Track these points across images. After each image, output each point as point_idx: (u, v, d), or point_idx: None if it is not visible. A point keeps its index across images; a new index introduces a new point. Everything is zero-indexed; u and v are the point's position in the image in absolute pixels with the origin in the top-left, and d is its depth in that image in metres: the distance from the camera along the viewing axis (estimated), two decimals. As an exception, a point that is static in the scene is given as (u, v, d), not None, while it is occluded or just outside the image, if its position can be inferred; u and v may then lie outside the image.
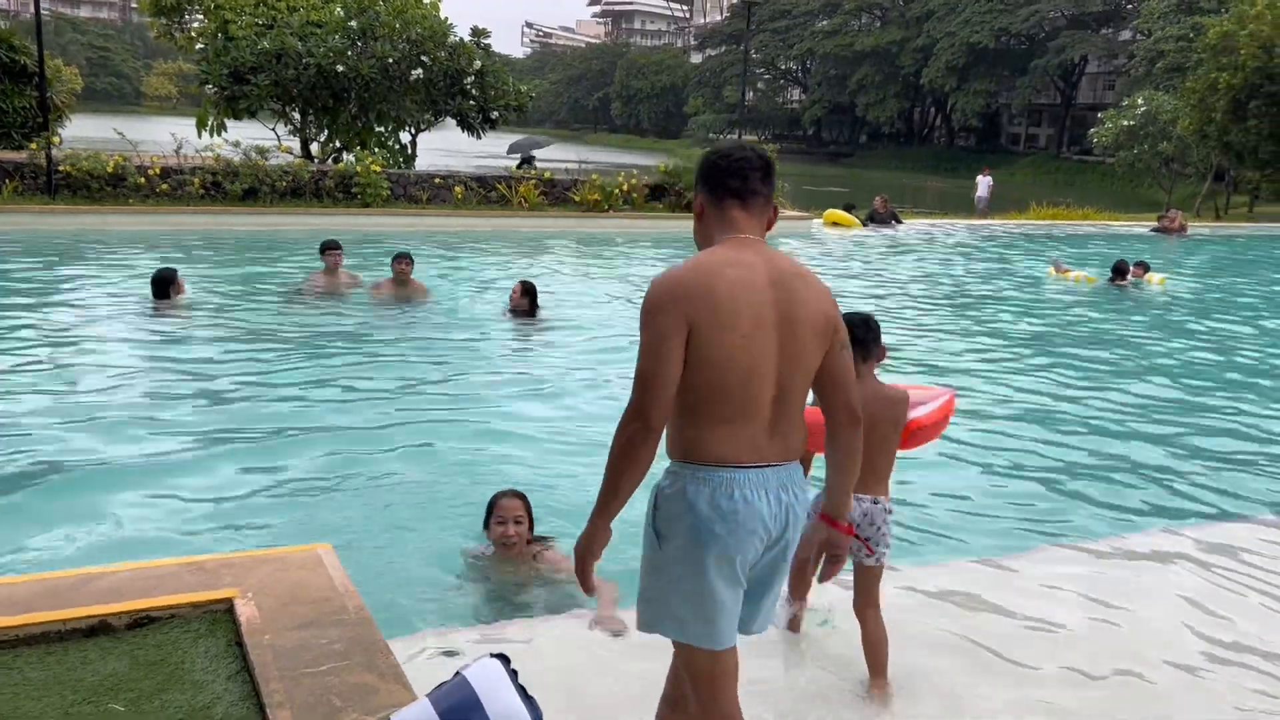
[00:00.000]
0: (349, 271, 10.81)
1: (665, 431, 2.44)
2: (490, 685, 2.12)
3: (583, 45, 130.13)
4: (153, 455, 5.72)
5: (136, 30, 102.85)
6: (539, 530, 4.48)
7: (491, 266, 13.33)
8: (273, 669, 2.44)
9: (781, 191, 20.14)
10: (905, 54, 69.37)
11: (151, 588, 2.81)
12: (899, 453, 3.53)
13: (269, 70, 18.25)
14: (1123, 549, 5.01)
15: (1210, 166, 32.23)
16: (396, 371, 7.81)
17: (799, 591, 3.82)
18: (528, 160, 22.23)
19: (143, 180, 15.49)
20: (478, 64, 20.17)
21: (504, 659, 2.23)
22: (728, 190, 2.55)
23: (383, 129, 20.32)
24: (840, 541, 2.71)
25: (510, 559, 4.32)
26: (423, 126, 21.22)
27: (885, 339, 3.58)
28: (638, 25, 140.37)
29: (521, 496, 4.41)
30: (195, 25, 20.61)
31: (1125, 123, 32.06)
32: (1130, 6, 59.73)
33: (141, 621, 2.68)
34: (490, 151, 28.17)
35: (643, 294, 2.44)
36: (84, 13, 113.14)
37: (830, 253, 17.06)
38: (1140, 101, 32.56)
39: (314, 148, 20.19)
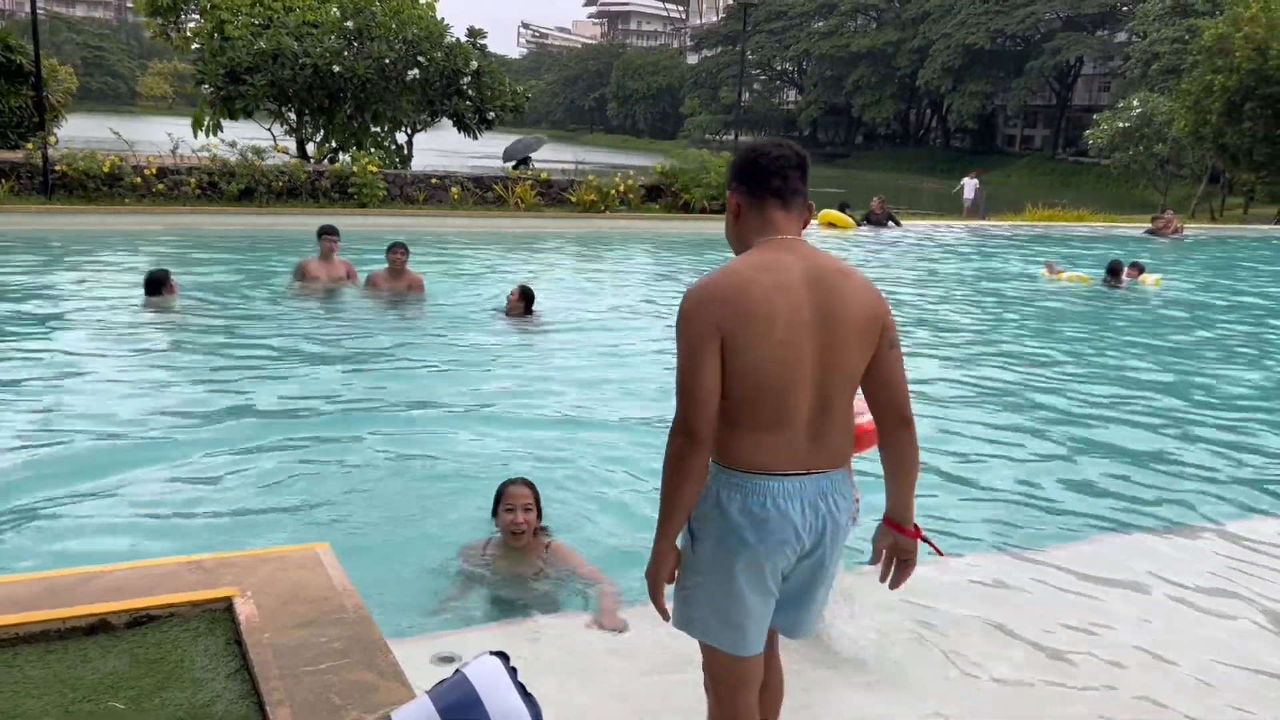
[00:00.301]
0: (345, 260, 10.74)
1: None
2: (490, 683, 2.12)
3: (579, 46, 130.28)
4: (150, 455, 5.72)
5: (132, 30, 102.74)
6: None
7: (488, 267, 13.33)
8: (272, 667, 2.45)
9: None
10: (901, 55, 69.49)
11: (151, 586, 2.81)
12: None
13: (265, 70, 18.24)
14: (1118, 546, 5.03)
15: (1205, 168, 32.35)
16: (394, 372, 7.82)
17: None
18: (524, 161, 22.23)
19: (139, 180, 15.48)
20: (474, 64, 20.18)
21: (504, 656, 2.23)
22: (769, 189, 2.45)
23: (379, 129, 20.30)
24: (908, 545, 2.60)
25: (517, 549, 4.32)
26: (419, 127, 21.23)
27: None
28: (634, 26, 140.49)
29: (530, 484, 4.42)
30: (191, 25, 20.63)
31: (1121, 124, 32.17)
32: (1126, 8, 59.86)
33: (141, 620, 2.68)
34: (487, 152, 28.16)
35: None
36: (79, 12, 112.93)
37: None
38: (1135, 103, 32.70)
39: (310, 148, 20.16)
